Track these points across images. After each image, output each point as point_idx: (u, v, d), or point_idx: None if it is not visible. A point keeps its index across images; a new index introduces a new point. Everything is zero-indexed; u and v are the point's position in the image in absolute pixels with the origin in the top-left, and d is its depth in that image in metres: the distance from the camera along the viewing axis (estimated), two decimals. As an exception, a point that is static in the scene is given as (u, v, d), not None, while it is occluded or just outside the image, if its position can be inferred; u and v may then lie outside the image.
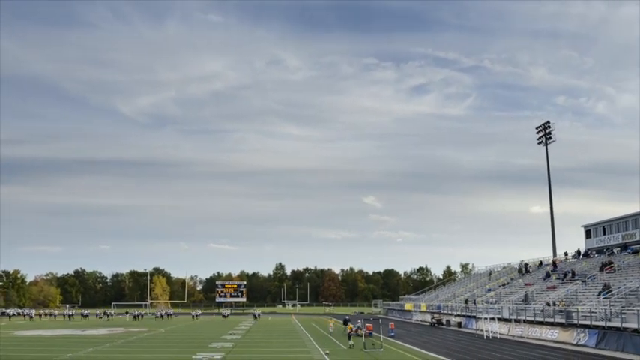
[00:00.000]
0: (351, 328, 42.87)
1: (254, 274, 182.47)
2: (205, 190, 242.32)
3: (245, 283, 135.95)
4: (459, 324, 59.30)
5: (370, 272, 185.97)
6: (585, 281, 48.97)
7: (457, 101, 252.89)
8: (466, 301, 49.88)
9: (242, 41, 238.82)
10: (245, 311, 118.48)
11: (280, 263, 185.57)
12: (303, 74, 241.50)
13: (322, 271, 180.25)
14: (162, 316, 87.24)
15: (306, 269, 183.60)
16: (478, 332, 49.16)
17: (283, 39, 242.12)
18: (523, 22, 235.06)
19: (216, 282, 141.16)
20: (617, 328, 34.37)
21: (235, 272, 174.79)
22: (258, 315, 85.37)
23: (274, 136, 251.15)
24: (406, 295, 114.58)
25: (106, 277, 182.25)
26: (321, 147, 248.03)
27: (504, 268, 78.68)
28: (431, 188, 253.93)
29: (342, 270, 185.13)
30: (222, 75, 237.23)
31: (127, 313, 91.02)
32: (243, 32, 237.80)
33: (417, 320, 74.92)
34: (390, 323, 52.67)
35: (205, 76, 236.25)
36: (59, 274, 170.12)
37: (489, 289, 67.08)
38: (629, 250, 53.44)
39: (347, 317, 55.93)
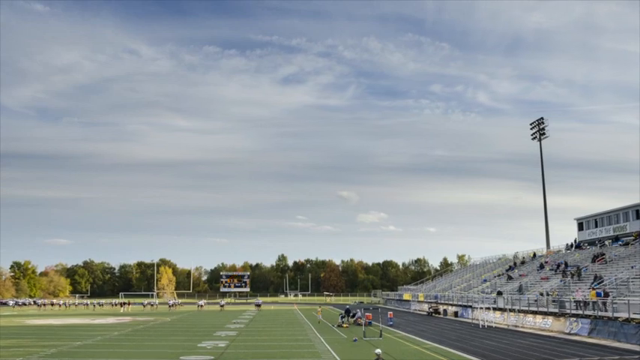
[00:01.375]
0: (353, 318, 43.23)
1: (257, 265, 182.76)
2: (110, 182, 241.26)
3: (248, 274, 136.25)
4: (456, 313, 59.38)
5: (370, 263, 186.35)
6: (578, 273, 48.98)
7: (336, 91, 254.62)
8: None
9: (89, 32, 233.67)
10: (248, 301, 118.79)
11: (282, 255, 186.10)
12: (163, 64, 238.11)
13: (323, 262, 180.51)
14: (174, 305, 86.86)
15: (308, 260, 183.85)
16: (474, 321, 49.22)
17: (130, 29, 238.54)
18: (368, 7, 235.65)
19: (221, 273, 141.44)
20: (609, 318, 34.45)
21: (239, 263, 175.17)
22: (260, 304, 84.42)
23: (166, 129, 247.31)
24: (404, 286, 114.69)
25: (114, 268, 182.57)
26: (215, 138, 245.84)
27: (500, 259, 78.83)
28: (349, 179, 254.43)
29: (343, 261, 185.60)
30: (82, 66, 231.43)
31: (142, 303, 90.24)
32: (84, 23, 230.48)
33: (415, 310, 75.01)
34: (389, 313, 52.74)
35: (65, 67, 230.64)
36: (68, 265, 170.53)
37: (485, 280, 67.19)
38: (620, 242, 53.49)
39: (348, 307, 55.80)
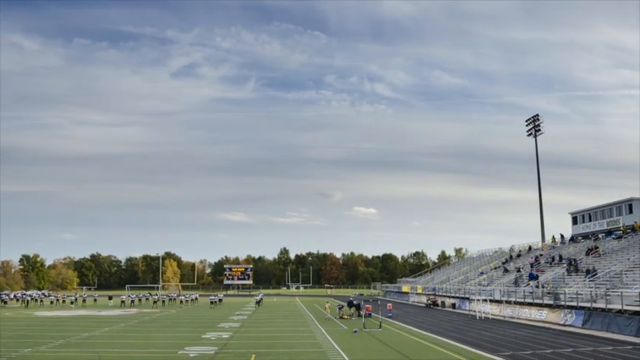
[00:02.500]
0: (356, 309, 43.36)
1: (260, 258, 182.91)
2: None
3: (251, 266, 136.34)
4: (453, 305, 59.44)
5: (370, 256, 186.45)
6: (572, 265, 48.98)
7: (235, 84, 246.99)
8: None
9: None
10: (251, 293, 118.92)
11: (285, 248, 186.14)
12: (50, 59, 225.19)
13: (324, 255, 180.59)
14: (186, 301, 77.31)
15: (309, 254, 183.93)
16: (471, 313, 49.30)
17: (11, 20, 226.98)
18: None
19: (225, 265, 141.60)
20: (602, 309, 34.50)
21: (242, 256, 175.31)
22: (261, 300, 72.17)
23: (82, 123, 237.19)
24: (403, 278, 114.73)
25: (121, 261, 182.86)
26: (132, 132, 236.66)
27: (496, 252, 78.85)
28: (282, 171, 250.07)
29: (343, 254, 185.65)
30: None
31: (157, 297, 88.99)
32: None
33: (414, 302, 75.08)
34: (388, 304, 52.80)
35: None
36: (76, 259, 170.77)
37: (482, 272, 67.25)
38: (614, 236, 53.48)
39: (351, 299, 55.61)
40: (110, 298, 75.90)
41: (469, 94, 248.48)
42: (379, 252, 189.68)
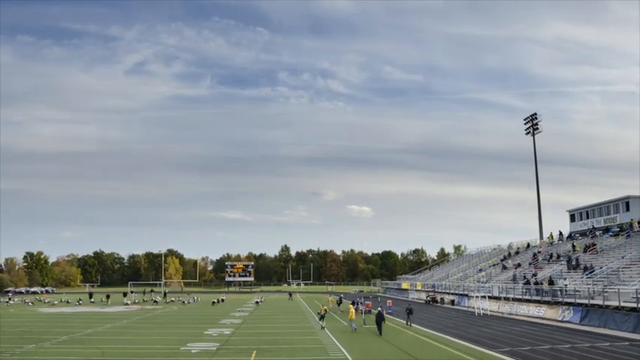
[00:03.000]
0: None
1: (261, 255, 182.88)
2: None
3: (253, 263, 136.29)
4: (452, 302, 59.46)
5: (369, 254, 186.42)
6: (570, 261, 49.00)
7: (191, 81, 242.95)
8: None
9: None
10: (253, 290, 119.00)
11: (286, 245, 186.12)
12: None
13: (325, 252, 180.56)
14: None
15: (310, 251, 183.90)
16: (470, 309, 49.33)
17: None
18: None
19: (226, 263, 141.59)
20: (600, 306, 34.51)
21: (244, 253, 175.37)
22: (261, 301, 69.10)
23: (45, 120, 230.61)
24: (403, 275, 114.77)
25: (123, 259, 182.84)
26: (90, 130, 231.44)
27: (494, 249, 78.82)
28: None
29: (344, 251, 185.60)
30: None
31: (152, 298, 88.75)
32: None
33: (413, 298, 75.07)
34: (388, 301, 52.83)
35: None
36: (79, 256, 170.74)
37: (480, 270, 67.23)
38: (611, 233, 53.45)
39: (341, 296, 55.26)
40: (125, 294, 75.79)
41: (427, 90, 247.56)
42: (377, 249, 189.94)
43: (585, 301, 36.32)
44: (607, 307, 33.79)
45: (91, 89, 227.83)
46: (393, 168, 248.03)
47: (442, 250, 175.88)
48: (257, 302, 65.20)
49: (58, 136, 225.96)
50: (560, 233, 64.21)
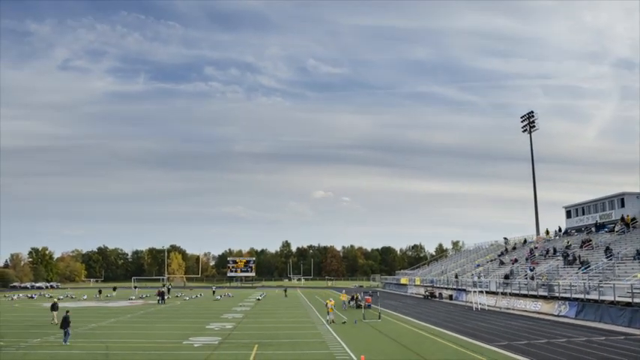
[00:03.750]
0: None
1: (262, 250, 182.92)
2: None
3: (254, 259, 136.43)
4: (450, 297, 59.47)
5: (369, 249, 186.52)
6: (567, 257, 49.00)
7: (125, 77, 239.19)
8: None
9: None
10: (254, 285, 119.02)
11: (286, 241, 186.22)
12: None
13: (325, 248, 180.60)
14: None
15: (310, 246, 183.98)
16: (468, 304, 49.32)
17: None
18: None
19: (228, 258, 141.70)
20: (595, 301, 34.52)
21: (245, 249, 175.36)
22: (262, 297, 67.88)
23: None
24: (402, 270, 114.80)
25: (127, 254, 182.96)
26: (32, 125, 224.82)
27: (492, 245, 78.81)
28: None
29: (343, 247, 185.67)
30: None
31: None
32: None
33: (412, 293, 75.12)
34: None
35: None
36: (84, 251, 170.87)
37: (478, 265, 67.24)
38: (606, 229, 53.46)
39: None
40: (135, 287, 75.67)
41: (362, 84, 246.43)
42: (377, 245, 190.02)
43: (581, 296, 36.34)
44: (602, 301, 33.80)
45: (26, 85, 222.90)
46: (350, 163, 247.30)
47: (440, 245, 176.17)
48: (258, 299, 64.25)
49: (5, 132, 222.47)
50: (559, 229, 64.22)
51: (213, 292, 76.30)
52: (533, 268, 50.44)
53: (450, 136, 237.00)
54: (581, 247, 50.38)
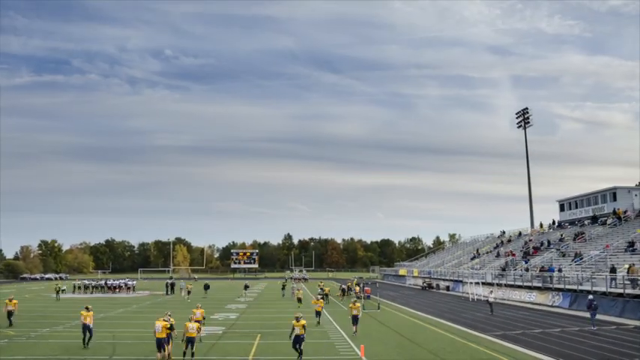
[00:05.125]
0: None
1: (265, 243, 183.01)
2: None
3: (257, 251, 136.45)
4: (448, 288, 59.53)
5: (368, 242, 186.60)
6: (559, 249, 49.01)
7: (6, 71, 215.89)
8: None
9: None
10: (257, 276, 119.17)
11: (288, 233, 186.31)
12: None
13: (326, 240, 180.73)
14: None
15: (312, 239, 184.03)
16: (464, 295, 49.38)
17: None
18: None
19: (232, 250, 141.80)
20: (588, 292, 34.51)
21: (248, 242, 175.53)
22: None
23: None
24: (400, 262, 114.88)
25: (134, 246, 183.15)
26: None
27: (488, 237, 78.83)
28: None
29: (344, 240, 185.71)
30: None
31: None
32: None
33: (410, 284, 75.21)
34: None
35: None
36: (92, 243, 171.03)
37: (474, 257, 67.27)
38: (599, 222, 53.43)
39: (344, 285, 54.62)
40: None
41: (231, 75, 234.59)
42: (376, 237, 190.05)
43: (574, 287, 36.37)
44: (595, 292, 33.80)
45: None
46: (268, 157, 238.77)
47: (438, 238, 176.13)
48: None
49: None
50: (553, 222, 64.21)
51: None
52: (528, 260, 50.47)
53: (346, 126, 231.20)
54: (574, 239, 50.38)
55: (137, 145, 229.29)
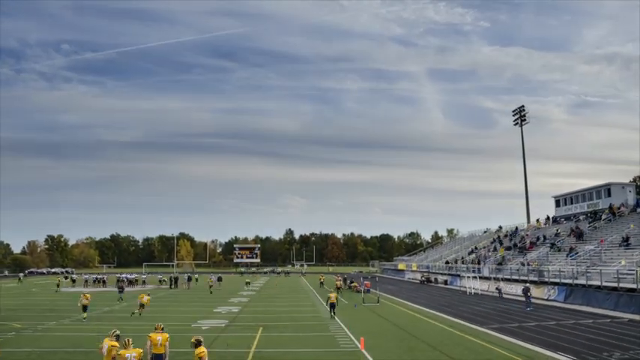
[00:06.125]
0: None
1: (267, 238, 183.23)
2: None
3: (259, 246, 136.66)
4: (445, 282, 59.57)
5: (368, 237, 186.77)
6: (555, 244, 48.98)
7: None
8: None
9: None
10: (259, 270, 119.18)
11: (290, 229, 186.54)
12: None
13: (326, 235, 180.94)
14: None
15: (313, 234, 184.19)
16: (462, 289, 49.40)
17: None
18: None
19: (234, 245, 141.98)
20: (583, 285, 34.55)
21: (251, 236, 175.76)
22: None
23: None
24: (399, 257, 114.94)
25: (138, 241, 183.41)
26: None
27: (485, 232, 78.81)
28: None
29: (344, 235, 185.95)
30: None
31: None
32: None
33: (409, 278, 75.25)
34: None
35: None
36: (97, 238, 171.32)
37: (471, 251, 67.27)
38: (594, 218, 53.37)
39: (345, 276, 55.04)
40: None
41: (154, 71, 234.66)
42: (375, 232, 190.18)
43: (569, 281, 36.37)
44: (590, 286, 33.84)
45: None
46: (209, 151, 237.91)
47: (436, 233, 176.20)
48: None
49: None
50: (548, 217, 64.14)
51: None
52: (525, 254, 50.47)
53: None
54: (569, 234, 50.35)
55: (81, 140, 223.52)
